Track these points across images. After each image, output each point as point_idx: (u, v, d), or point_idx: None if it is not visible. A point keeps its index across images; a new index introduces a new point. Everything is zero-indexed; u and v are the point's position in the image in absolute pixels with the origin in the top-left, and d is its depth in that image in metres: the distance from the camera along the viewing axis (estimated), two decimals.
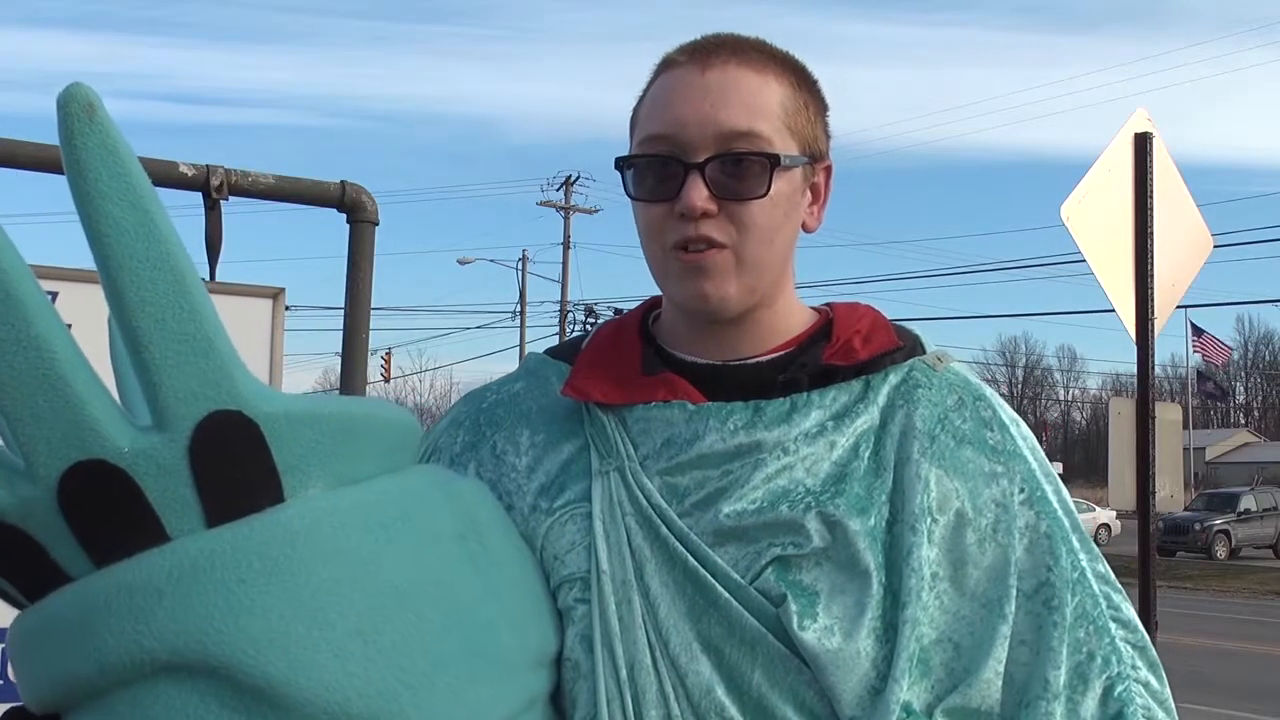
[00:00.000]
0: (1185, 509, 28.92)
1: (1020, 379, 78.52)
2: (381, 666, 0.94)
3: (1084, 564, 1.18)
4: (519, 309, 35.73)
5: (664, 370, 1.24)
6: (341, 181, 2.51)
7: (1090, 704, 1.12)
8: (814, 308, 1.32)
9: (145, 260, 0.88)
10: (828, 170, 1.27)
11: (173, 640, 0.90)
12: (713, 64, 1.18)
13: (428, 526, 1.05)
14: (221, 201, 2.36)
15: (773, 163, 1.17)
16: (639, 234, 1.23)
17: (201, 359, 0.91)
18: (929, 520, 1.14)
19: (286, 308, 2.50)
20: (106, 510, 0.91)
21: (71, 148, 0.86)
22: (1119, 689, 1.13)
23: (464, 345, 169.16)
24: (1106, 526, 32.01)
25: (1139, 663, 1.17)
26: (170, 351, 0.89)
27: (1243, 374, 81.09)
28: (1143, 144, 4.96)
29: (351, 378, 2.53)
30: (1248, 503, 30.67)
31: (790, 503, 1.14)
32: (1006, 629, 1.12)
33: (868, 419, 1.20)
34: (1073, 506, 1.23)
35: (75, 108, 0.86)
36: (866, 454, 1.18)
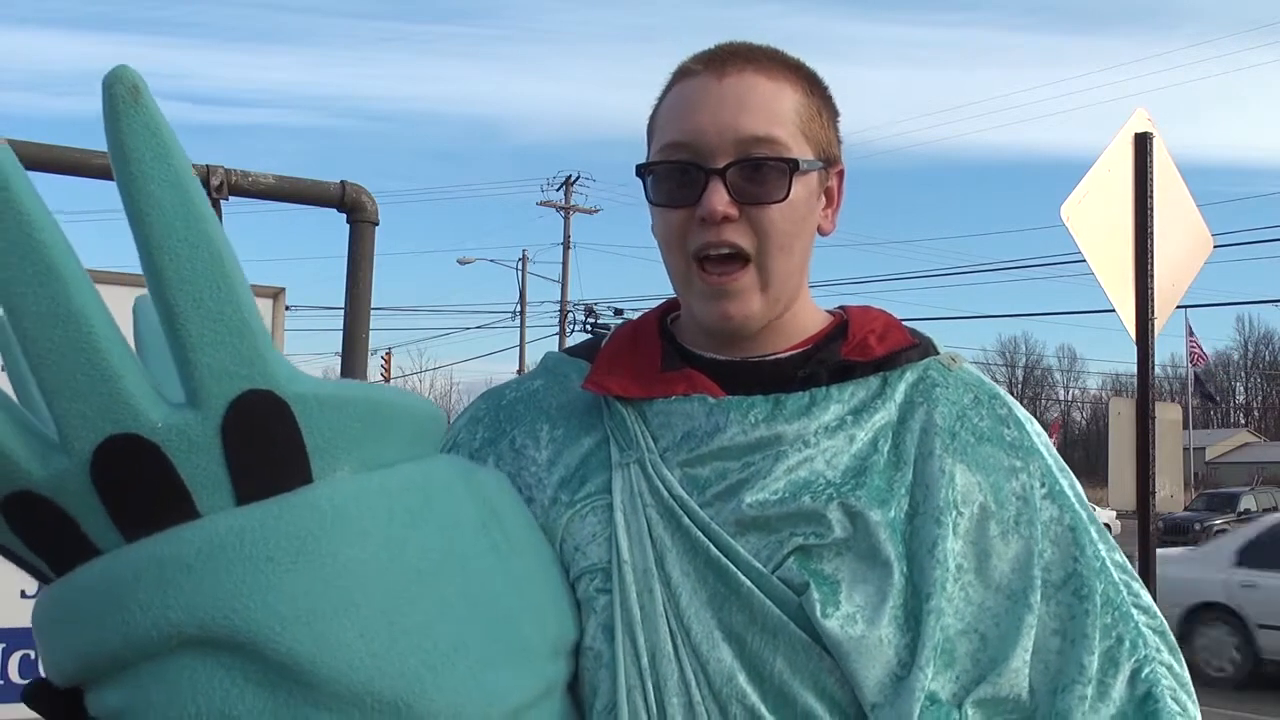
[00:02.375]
0: (1185, 509, 28.92)
1: (1020, 379, 78.65)
2: (405, 647, 0.95)
3: (1104, 554, 1.21)
4: (519, 309, 35.78)
5: (684, 366, 1.26)
6: (341, 181, 2.52)
7: (1119, 685, 1.15)
8: (828, 310, 1.34)
9: (184, 240, 0.90)
10: (840, 174, 1.29)
11: (200, 614, 0.91)
12: (728, 72, 1.20)
13: (451, 513, 1.06)
14: (221, 201, 2.37)
15: (791, 167, 1.19)
16: (659, 242, 1.25)
17: (236, 338, 0.92)
18: (954, 513, 1.16)
19: (286, 308, 2.51)
20: (138, 484, 0.92)
21: (116, 129, 0.88)
22: (1146, 670, 1.16)
23: (464, 345, 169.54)
24: (1106, 526, 31.74)
25: (1161, 646, 1.20)
26: (207, 329, 0.91)
27: (1243, 374, 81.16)
28: (1143, 144, 4.97)
29: (351, 378, 2.54)
30: (1248, 503, 30.64)
31: (812, 493, 1.16)
32: (1033, 619, 1.14)
33: (886, 415, 1.22)
34: (1086, 500, 1.26)
35: (120, 89, 0.88)
36: (886, 448, 1.20)
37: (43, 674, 1.01)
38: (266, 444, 0.94)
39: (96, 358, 0.89)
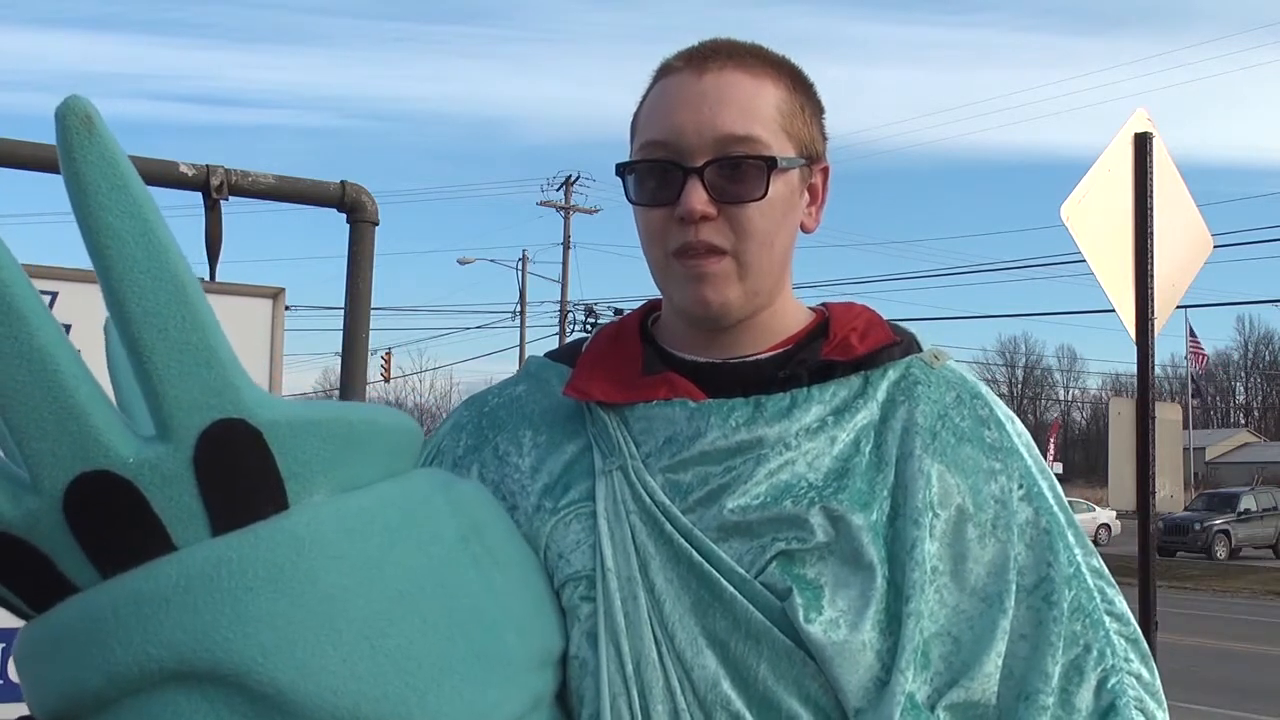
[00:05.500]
0: (1185, 509, 28.91)
1: (1020, 379, 78.57)
2: (388, 671, 0.94)
3: (1079, 559, 1.20)
4: (519, 309, 35.74)
5: (664, 369, 1.25)
6: (341, 181, 2.51)
7: (1085, 695, 1.14)
8: (810, 307, 1.33)
9: (146, 271, 0.88)
10: (825, 171, 1.28)
11: (181, 649, 0.90)
12: (709, 69, 1.20)
13: (431, 530, 1.05)
14: (221, 201, 2.37)
15: (770, 165, 1.18)
16: (640, 239, 1.25)
17: (204, 368, 0.91)
18: (931, 515, 1.15)
19: (286, 308, 2.50)
20: (112, 521, 0.91)
21: (71, 160, 0.86)
22: (1112, 681, 1.15)
23: (464, 345, 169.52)
24: (1106, 526, 31.99)
25: (1131, 655, 1.19)
26: (173, 361, 0.89)
27: (1243, 374, 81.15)
28: (1142, 144, 4.97)
29: (351, 378, 2.53)
30: (1248, 503, 30.65)
31: (794, 497, 1.15)
32: (1006, 623, 1.14)
33: (867, 414, 1.21)
34: (1066, 502, 1.25)
35: (73, 120, 0.86)
36: (868, 449, 1.19)
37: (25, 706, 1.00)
38: (239, 473, 0.93)
39: (63, 396, 0.88)
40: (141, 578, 0.91)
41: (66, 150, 0.86)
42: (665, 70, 1.24)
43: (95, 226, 0.87)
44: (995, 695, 1.13)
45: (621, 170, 1.23)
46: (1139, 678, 1.18)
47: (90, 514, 0.91)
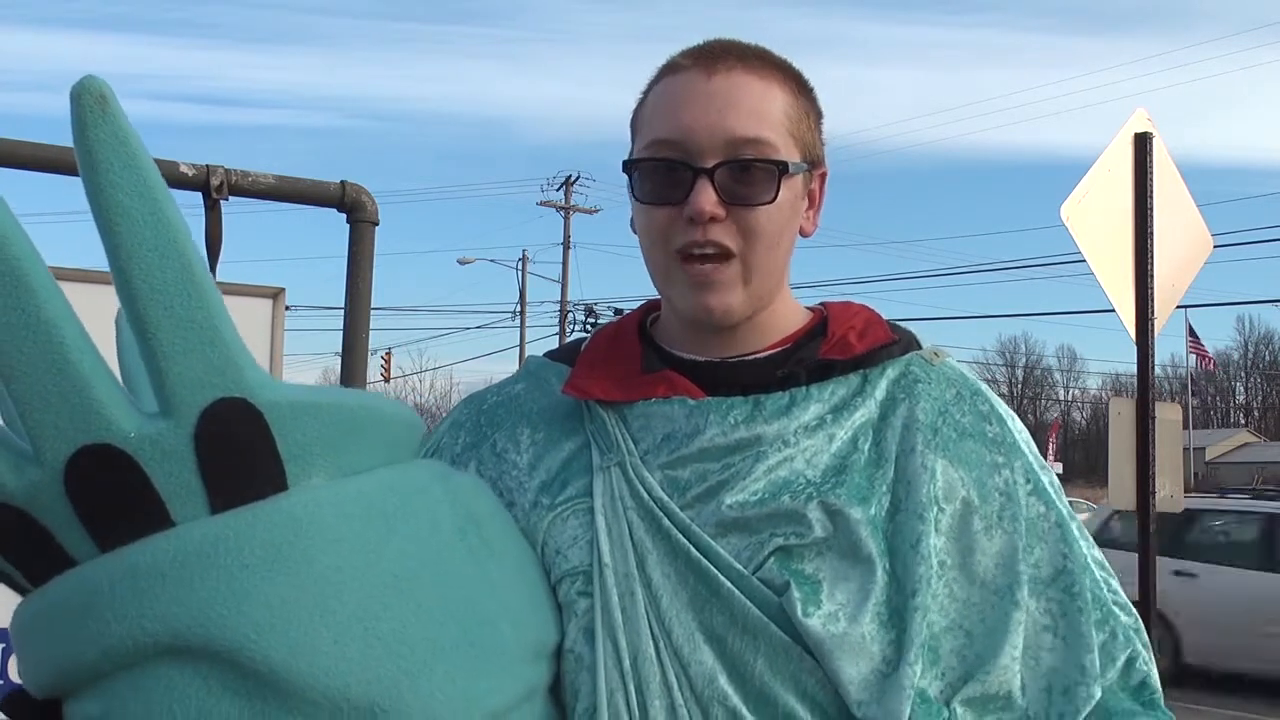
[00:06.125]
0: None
1: (1020, 379, 78.57)
2: (380, 654, 0.95)
3: (1085, 551, 1.22)
4: (519, 309, 35.73)
5: (663, 368, 1.26)
6: (341, 181, 2.51)
7: (1116, 676, 1.18)
8: (808, 307, 1.34)
9: (154, 249, 0.89)
10: (823, 176, 1.29)
11: (175, 623, 0.91)
12: (718, 69, 1.20)
13: (428, 518, 1.06)
14: (221, 201, 2.37)
15: (780, 170, 1.19)
16: (641, 238, 1.24)
17: (208, 346, 0.92)
18: (936, 509, 1.16)
19: (286, 308, 2.50)
20: (112, 494, 0.92)
21: (84, 139, 0.88)
22: (1138, 661, 1.19)
23: (464, 345, 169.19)
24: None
25: (1139, 644, 1.22)
26: (178, 338, 0.91)
27: (1243, 374, 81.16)
28: (1142, 144, 4.98)
29: (351, 378, 2.53)
30: None
31: (792, 493, 1.15)
32: (1021, 615, 1.15)
33: (866, 412, 1.22)
34: (1065, 498, 1.27)
35: (88, 99, 0.87)
36: (866, 446, 1.20)
37: (19, 683, 1.01)
38: (240, 452, 0.94)
39: (67, 368, 0.89)
40: (138, 552, 0.92)
41: (80, 128, 0.87)
42: (671, 68, 1.23)
43: (105, 204, 0.88)
44: (1017, 687, 1.13)
45: (627, 168, 1.23)
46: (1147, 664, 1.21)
47: (90, 487, 0.91)
